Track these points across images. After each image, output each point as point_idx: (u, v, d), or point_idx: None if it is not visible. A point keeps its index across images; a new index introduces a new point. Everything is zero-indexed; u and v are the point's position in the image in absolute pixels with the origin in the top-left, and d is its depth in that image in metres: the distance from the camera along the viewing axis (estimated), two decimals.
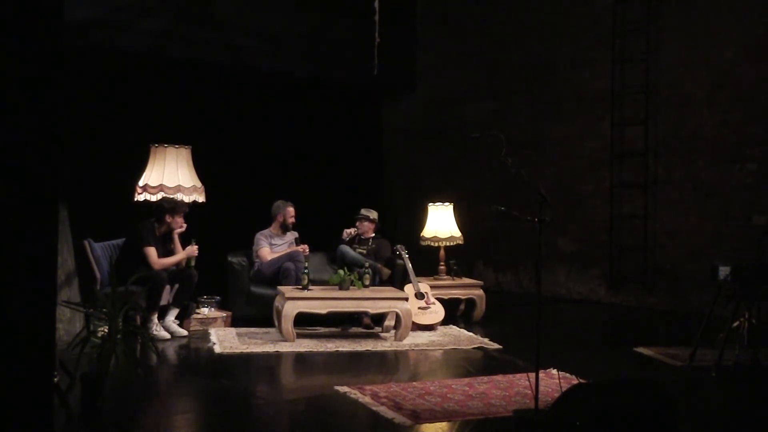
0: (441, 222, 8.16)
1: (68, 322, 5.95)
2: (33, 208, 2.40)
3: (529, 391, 4.43)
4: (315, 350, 6.12)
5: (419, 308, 7.14)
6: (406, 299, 6.73)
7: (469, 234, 8.54)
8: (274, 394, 5.01)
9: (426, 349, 6.30)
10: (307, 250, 7.35)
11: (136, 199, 6.99)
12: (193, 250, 6.76)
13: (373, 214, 7.83)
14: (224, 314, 7.07)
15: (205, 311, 7.03)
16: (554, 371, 5.21)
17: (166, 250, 6.75)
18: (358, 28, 9.30)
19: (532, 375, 4.27)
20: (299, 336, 6.50)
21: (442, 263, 8.07)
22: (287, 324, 6.35)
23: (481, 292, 7.92)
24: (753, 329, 5.59)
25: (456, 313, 7.94)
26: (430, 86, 11.36)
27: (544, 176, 9.67)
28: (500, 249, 10.47)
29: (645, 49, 8.94)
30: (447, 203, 8.27)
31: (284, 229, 7.58)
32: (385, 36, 8.75)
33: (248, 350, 6.04)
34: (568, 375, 5.12)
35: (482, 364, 5.83)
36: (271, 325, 6.80)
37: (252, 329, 6.87)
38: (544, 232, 4.31)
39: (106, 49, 8.41)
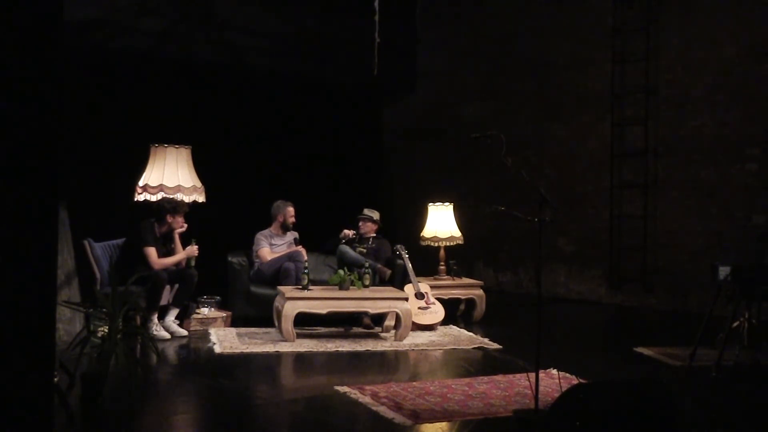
0: (441, 222, 8.16)
1: (68, 322, 5.95)
2: (33, 208, 2.40)
3: (529, 391, 4.43)
4: (315, 350, 6.12)
5: (419, 308, 7.14)
6: (406, 299, 6.73)
7: (469, 234, 8.54)
8: (274, 394, 5.01)
9: (426, 349, 6.30)
10: (304, 254, 7.31)
11: (136, 199, 6.99)
12: (193, 250, 6.76)
13: (376, 215, 7.83)
14: (224, 314, 7.07)
15: (205, 311, 7.03)
16: (554, 371, 5.21)
17: (166, 250, 6.75)
18: (358, 28, 9.30)
19: (532, 375, 4.27)
20: (299, 336, 6.50)
21: (442, 263, 8.07)
22: (287, 324, 6.35)
23: (481, 292, 7.92)
24: (753, 329, 5.59)
25: (456, 313, 7.94)
26: (430, 86, 11.36)
27: (544, 176, 9.67)
28: (500, 249, 10.47)
29: (645, 49, 8.94)
30: (447, 203, 8.27)
31: (284, 229, 7.58)
32: (385, 36, 8.75)
33: (248, 350, 6.04)
34: (568, 375, 5.12)
35: (482, 364, 5.83)
36: (271, 325, 6.80)
37: (252, 329, 6.87)
38: (544, 232, 4.31)
39: (106, 49, 8.41)
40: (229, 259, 7.28)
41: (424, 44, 11.42)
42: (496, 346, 6.40)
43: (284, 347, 6.16)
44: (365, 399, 4.55)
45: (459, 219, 8.34)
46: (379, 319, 6.99)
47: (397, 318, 6.57)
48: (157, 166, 6.99)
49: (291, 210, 7.58)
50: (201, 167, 7.25)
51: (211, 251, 7.06)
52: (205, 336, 6.59)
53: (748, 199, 8.08)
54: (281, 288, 6.72)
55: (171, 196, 6.83)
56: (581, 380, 4.59)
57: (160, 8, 8.78)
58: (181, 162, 7.04)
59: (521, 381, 4.98)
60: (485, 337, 6.77)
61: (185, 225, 6.83)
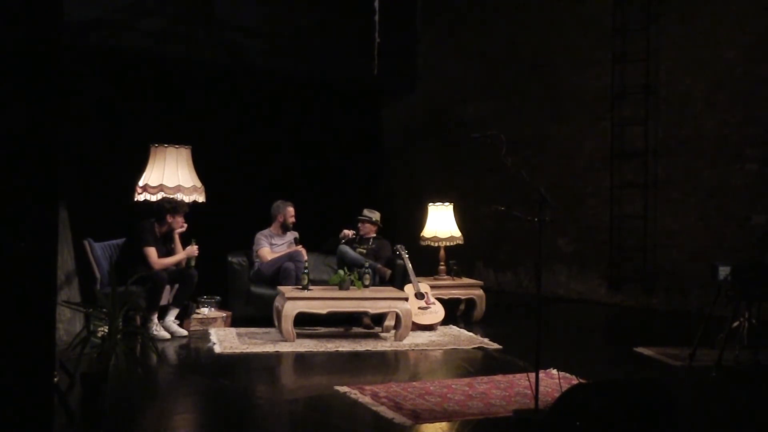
0: (441, 222, 8.16)
1: (68, 322, 5.95)
2: (33, 208, 2.40)
3: (529, 391, 4.43)
4: (315, 350, 6.12)
5: (419, 308, 7.14)
6: (406, 299, 6.73)
7: (469, 234, 8.54)
8: (274, 394, 5.01)
9: (426, 349, 6.30)
10: (304, 254, 7.31)
11: (136, 199, 6.99)
12: (193, 250, 6.76)
13: (376, 216, 7.82)
14: (224, 314, 7.07)
15: (205, 311, 7.03)
16: (554, 371, 5.21)
17: (166, 250, 6.75)
18: (358, 28, 9.30)
19: (532, 375, 4.27)
20: (299, 336, 6.50)
21: (442, 263, 8.07)
22: (287, 324, 6.35)
23: (481, 292, 7.91)
24: (753, 329, 5.59)
25: (456, 313, 7.94)
26: (430, 86, 11.36)
27: (544, 176, 9.67)
28: (500, 249, 10.47)
29: (645, 49, 8.94)
30: (447, 203, 8.26)
31: (284, 229, 7.58)
32: (385, 36, 8.75)
33: (248, 350, 6.04)
34: (568, 375, 5.12)
35: (482, 364, 5.83)
36: (271, 325, 6.80)
37: (252, 329, 6.87)
38: (544, 232, 4.31)
39: (106, 49, 8.41)
40: (229, 259, 7.28)
41: (424, 44, 11.42)
42: (496, 346, 6.40)
43: (284, 347, 6.16)
44: (365, 399, 4.55)
45: (459, 219, 8.33)
46: (379, 319, 6.99)
47: (397, 318, 6.57)
48: (157, 166, 6.99)
49: (291, 210, 7.58)
50: (201, 167, 7.25)
51: (211, 251, 7.06)
52: (205, 336, 6.59)
53: (748, 199, 8.07)
54: (281, 288, 6.72)
55: (171, 196, 6.83)
56: (581, 380, 4.59)
57: (160, 8, 8.78)
58: (181, 162, 7.04)
59: (521, 381, 4.98)
60: (485, 337, 6.77)
61: (185, 225, 6.83)
